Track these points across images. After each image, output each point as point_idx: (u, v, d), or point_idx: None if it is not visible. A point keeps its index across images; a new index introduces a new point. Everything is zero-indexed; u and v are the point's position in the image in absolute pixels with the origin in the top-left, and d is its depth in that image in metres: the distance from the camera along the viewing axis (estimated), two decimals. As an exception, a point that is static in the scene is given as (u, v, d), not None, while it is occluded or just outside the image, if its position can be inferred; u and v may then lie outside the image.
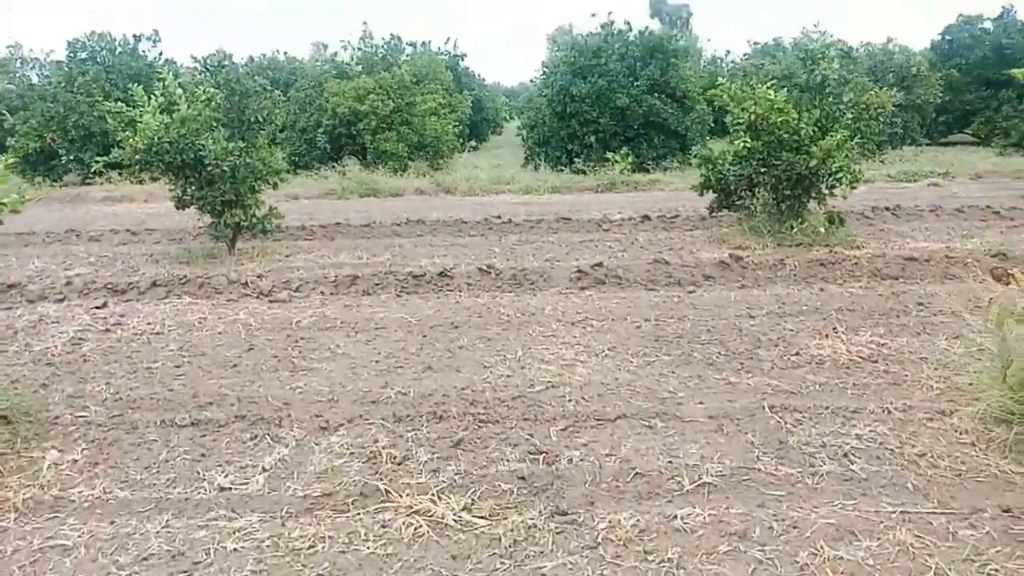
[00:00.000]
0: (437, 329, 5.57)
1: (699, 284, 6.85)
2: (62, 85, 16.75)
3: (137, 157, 7.63)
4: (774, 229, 8.32)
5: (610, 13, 18.25)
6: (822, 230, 8.10)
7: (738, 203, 8.98)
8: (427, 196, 14.16)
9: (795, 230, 8.17)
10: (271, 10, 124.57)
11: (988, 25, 23.74)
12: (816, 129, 7.96)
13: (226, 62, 7.87)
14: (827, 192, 8.35)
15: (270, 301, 6.47)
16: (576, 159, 17.56)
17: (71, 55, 18.65)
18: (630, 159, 16.16)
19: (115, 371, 4.78)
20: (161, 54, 19.13)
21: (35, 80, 18.98)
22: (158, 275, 7.27)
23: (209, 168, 7.65)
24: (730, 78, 8.82)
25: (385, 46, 19.58)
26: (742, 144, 7.97)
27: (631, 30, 18.74)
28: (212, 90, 8.00)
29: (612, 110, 17.12)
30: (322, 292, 6.79)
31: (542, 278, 7.03)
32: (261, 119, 8.04)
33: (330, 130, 17.53)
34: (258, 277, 7.09)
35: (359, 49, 19.55)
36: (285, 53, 29.57)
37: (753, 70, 10.81)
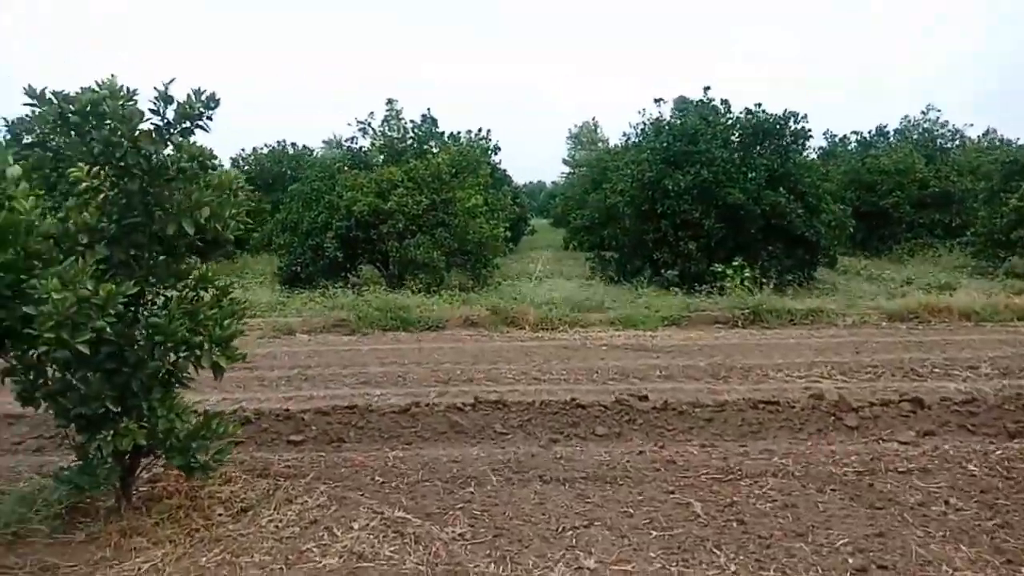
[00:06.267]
0: None
1: None
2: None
3: None
4: None
5: (707, 89, 14.24)
6: None
7: None
8: (481, 331, 9.63)
9: None
10: (277, 104, 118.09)
11: None
12: None
13: (105, 105, 3.02)
14: None
15: None
16: (665, 271, 13.18)
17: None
18: (746, 273, 11.70)
19: None
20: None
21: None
22: None
23: (43, 344, 3.12)
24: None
25: (416, 130, 15.51)
26: None
27: (729, 110, 14.73)
28: (82, 167, 3.59)
29: (719, 209, 12.82)
30: None
31: None
32: (186, 230, 3.55)
33: (343, 233, 13.24)
34: None
35: (383, 133, 15.49)
36: (292, 144, 26.04)
37: None
